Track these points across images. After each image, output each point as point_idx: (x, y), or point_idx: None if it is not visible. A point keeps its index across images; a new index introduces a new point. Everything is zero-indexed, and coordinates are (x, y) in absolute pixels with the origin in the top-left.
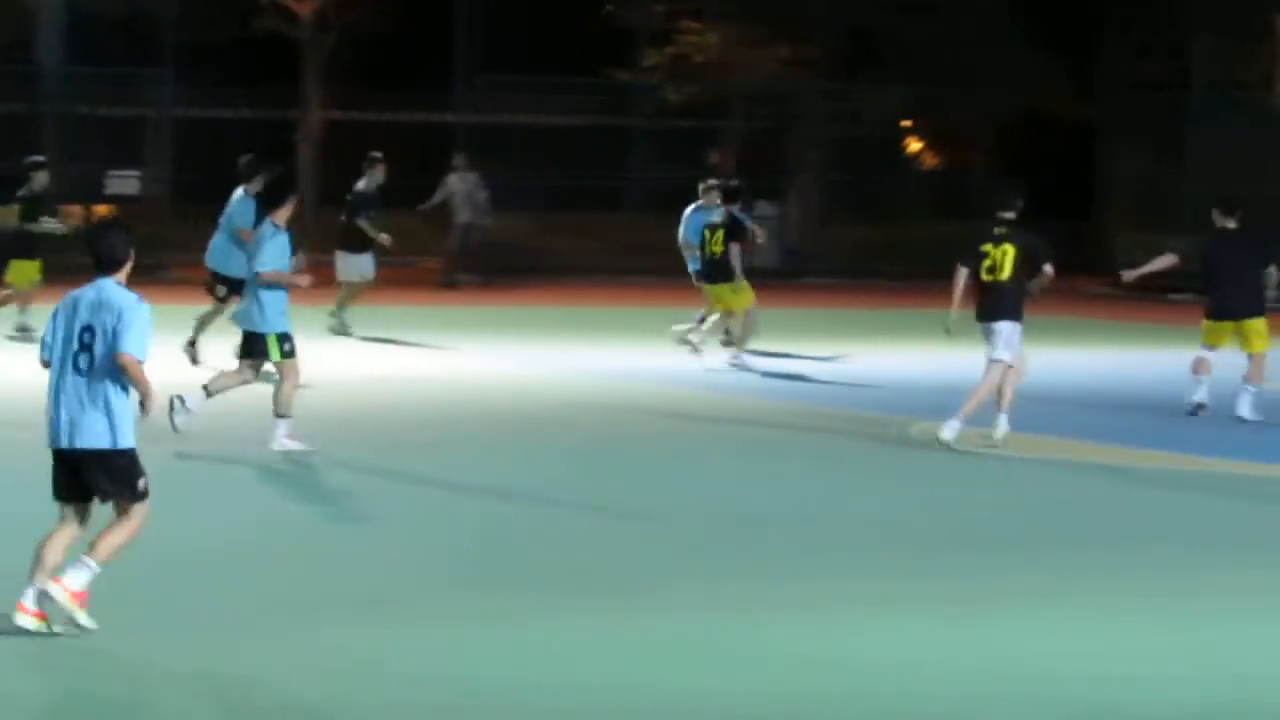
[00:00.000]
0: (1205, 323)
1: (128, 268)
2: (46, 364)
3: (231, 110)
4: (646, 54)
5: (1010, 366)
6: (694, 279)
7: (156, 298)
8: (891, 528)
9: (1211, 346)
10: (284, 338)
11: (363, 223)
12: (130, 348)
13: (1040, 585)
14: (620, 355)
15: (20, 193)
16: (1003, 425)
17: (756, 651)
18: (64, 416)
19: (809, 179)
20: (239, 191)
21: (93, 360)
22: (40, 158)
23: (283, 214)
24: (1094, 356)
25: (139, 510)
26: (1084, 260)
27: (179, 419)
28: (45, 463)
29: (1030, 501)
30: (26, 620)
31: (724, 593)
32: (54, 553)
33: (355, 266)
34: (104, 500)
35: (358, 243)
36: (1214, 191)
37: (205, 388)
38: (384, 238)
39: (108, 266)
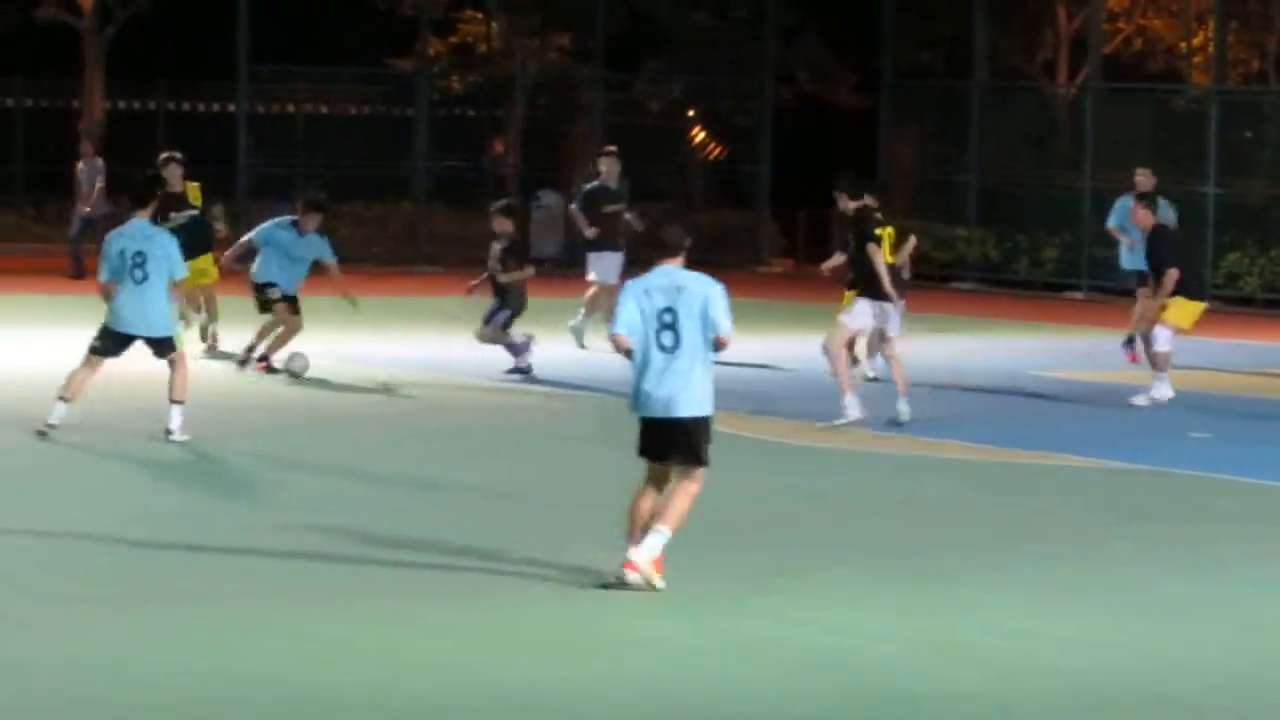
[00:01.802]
0: (1189, 304)
1: (683, 255)
2: (620, 345)
3: (12, 99)
4: (430, 42)
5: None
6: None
7: None
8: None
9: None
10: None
11: None
12: (729, 329)
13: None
14: (403, 344)
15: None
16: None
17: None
18: (654, 389)
19: (591, 169)
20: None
21: (677, 339)
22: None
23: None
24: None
25: (700, 474)
26: None
27: None
28: None
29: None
30: (635, 577)
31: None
32: (643, 514)
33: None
34: (675, 463)
35: None
36: (998, 180)
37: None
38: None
39: (668, 251)
